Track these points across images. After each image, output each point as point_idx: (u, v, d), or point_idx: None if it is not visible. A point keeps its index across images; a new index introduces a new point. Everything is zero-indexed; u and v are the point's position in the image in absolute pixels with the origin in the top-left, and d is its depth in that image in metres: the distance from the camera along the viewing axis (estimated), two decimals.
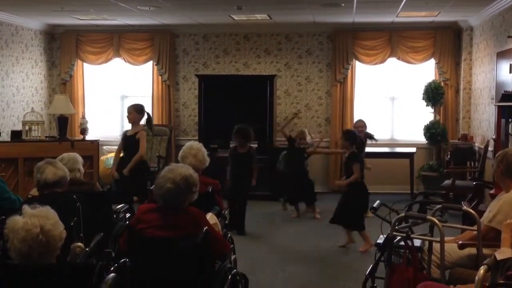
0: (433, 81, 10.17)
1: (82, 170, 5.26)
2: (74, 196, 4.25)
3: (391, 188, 10.00)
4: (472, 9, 8.81)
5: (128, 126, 10.97)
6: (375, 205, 4.68)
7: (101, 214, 4.64)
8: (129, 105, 7.52)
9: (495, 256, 3.04)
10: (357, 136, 7.23)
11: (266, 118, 9.94)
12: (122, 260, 3.34)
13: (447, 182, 8.72)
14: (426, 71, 10.55)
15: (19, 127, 9.35)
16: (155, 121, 10.85)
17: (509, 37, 7.57)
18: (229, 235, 4.74)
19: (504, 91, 7.18)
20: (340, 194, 7.31)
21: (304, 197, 8.57)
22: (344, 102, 10.54)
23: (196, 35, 10.93)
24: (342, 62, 10.47)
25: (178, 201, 3.65)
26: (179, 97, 11.06)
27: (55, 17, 9.93)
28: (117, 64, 11.15)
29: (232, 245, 4.60)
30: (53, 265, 2.81)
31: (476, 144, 9.51)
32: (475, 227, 4.04)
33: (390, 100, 10.78)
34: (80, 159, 5.23)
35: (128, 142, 7.19)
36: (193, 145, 5.13)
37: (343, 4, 8.30)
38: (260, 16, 9.58)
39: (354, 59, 10.51)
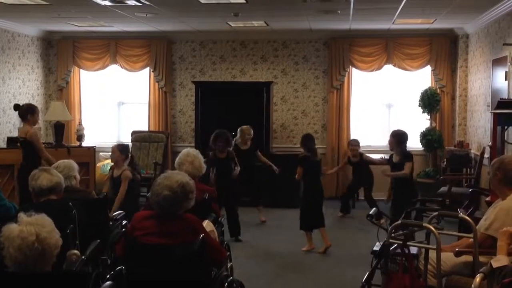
0: (429, 88, 10.19)
1: (78, 177, 5.24)
2: (70, 203, 4.24)
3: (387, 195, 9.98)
4: (467, 17, 8.84)
5: (123, 134, 11.08)
6: (371, 212, 4.68)
7: (97, 221, 4.63)
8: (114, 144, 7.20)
9: (491, 264, 3.04)
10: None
11: (262, 125, 9.94)
12: (118, 267, 3.34)
13: (443, 189, 8.73)
14: (422, 78, 10.57)
15: (15, 133, 9.33)
16: (151, 128, 10.87)
17: (504, 44, 7.60)
18: (225, 243, 4.73)
19: (500, 99, 7.20)
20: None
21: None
22: (341, 109, 10.55)
23: (193, 42, 10.94)
24: (338, 69, 10.49)
25: (175, 208, 3.64)
26: (176, 104, 11.06)
27: (52, 24, 9.93)
28: (114, 71, 11.15)
29: (229, 253, 4.60)
30: (49, 273, 2.79)
31: (472, 151, 9.52)
32: (471, 235, 4.04)
33: (387, 107, 10.80)
34: (75, 166, 5.21)
35: (115, 182, 6.91)
36: (189, 152, 5.12)
37: (339, 11, 8.32)
38: (256, 23, 9.60)
39: (350, 66, 10.54)
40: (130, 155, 6.95)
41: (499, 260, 3.12)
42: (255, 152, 8.66)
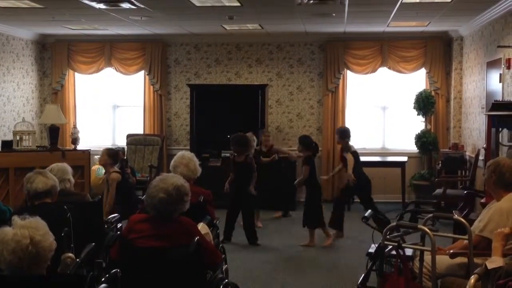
0: (424, 91, 10.21)
1: (72, 180, 5.22)
2: (65, 207, 4.23)
3: (383, 197, 10.01)
4: (462, 19, 8.87)
5: (118, 137, 11.07)
6: (366, 214, 4.68)
7: (92, 224, 4.62)
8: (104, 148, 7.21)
9: (486, 265, 3.05)
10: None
11: (258, 128, 9.95)
12: (113, 270, 3.33)
13: (438, 191, 8.75)
14: (417, 80, 10.59)
15: (10, 137, 9.29)
16: (147, 131, 10.86)
17: (498, 46, 7.62)
18: (220, 245, 4.73)
19: (494, 101, 7.22)
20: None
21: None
22: (336, 111, 10.57)
23: (187, 45, 10.94)
24: (333, 72, 10.50)
25: (170, 210, 3.64)
26: (171, 107, 11.06)
27: (46, 27, 9.92)
28: (109, 74, 11.13)
29: (224, 255, 4.60)
30: (44, 276, 2.79)
31: (467, 153, 9.55)
32: (466, 236, 4.04)
33: (382, 109, 10.82)
34: (69, 169, 5.19)
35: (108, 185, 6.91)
36: (184, 155, 5.12)
37: (334, 14, 8.34)
38: (251, 26, 9.61)
39: (345, 69, 10.55)
40: (122, 159, 6.94)
41: (494, 261, 3.13)
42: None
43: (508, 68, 7.29)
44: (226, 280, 3.93)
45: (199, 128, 10.18)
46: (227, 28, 9.77)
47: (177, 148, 10.16)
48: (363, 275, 4.40)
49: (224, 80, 10.87)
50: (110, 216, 5.33)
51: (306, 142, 7.63)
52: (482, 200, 6.05)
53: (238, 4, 7.55)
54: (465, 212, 6.68)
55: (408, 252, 4.28)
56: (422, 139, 10.08)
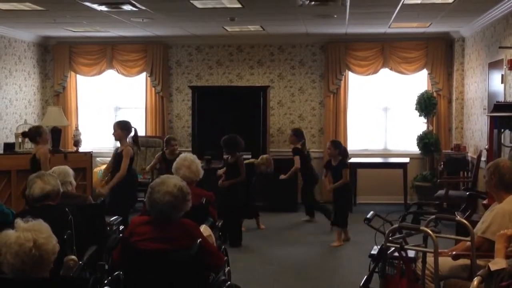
0: (426, 92, 10.20)
1: (74, 182, 5.23)
2: (67, 209, 4.23)
3: (385, 199, 10.01)
4: (463, 20, 8.87)
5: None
6: (369, 215, 4.68)
7: (94, 227, 4.62)
8: (115, 121, 7.40)
9: (489, 267, 3.05)
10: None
11: (259, 129, 9.95)
12: (116, 273, 3.33)
13: (441, 192, 8.74)
14: (419, 81, 10.59)
15: (12, 139, 9.32)
16: (148, 133, 10.87)
17: (500, 47, 7.62)
18: (223, 247, 4.73)
19: (496, 102, 7.21)
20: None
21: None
22: (338, 112, 10.56)
23: (189, 47, 10.95)
24: (335, 73, 10.50)
25: (176, 212, 3.64)
26: (173, 109, 11.06)
27: (48, 29, 9.93)
28: (110, 76, 11.14)
29: (226, 257, 4.60)
30: (47, 279, 2.79)
31: (469, 154, 9.54)
32: (469, 238, 4.04)
33: (383, 111, 10.82)
34: (71, 172, 5.20)
35: (117, 159, 7.05)
36: (187, 157, 5.12)
37: (335, 16, 8.34)
38: (253, 28, 9.62)
39: (347, 70, 10.55)
40: (133, 128, 7.10)
41: (496, 263, 3.12)
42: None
43: (510, 69, 7.28)
44: (229, 282, 3.93)
45: (200, 130, 10.18)
46: (229, 30, 9.77)
47: (179, 150, 10.15)
48: (365, 277, 4.40)
49: (225, 81, 10.87)
50: (113, 219, 5.34)
51: (298, 133, 8.73)
52: (485, 202, 6.05)
53: (240, 5, 7.55)
54: (467, 213, 6.68)
55: (411, 253, 4.28)
56: (424, 140, 10.07)
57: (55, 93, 11.11)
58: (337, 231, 7.63)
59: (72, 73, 11.11)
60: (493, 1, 7.36)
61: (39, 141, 7.10)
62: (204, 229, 4.12)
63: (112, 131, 7.14)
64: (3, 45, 9.82)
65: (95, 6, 7.55)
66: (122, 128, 6.97)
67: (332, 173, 7.76)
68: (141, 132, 10.91)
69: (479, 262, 3.90)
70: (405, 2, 7.30)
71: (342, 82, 10.56)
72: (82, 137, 9.68)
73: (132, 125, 7.25)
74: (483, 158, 8.25)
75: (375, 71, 10.48)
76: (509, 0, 7.14)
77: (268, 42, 10.72)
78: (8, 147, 8.86)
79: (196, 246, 3.49)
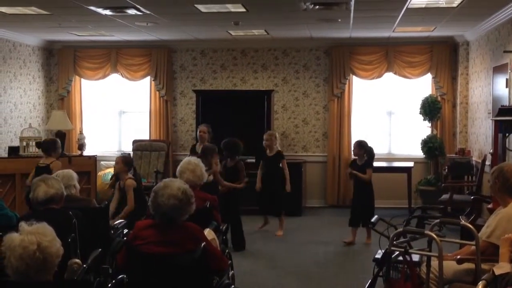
0: (430, 96, 10.19)
1: (78, 186, 5.24)
2: (70, 212, 4.23)
3: (389, 203, 9.99)
4: (468, 24, 8.86)
5: (124, 143, 11.10)
6: (373, 220, 4.68)
7: (98, 230, 4.62)
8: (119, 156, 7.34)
9: (493, 271, 3.03)
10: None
11: (263, 133, 9.93)
12: (120, 276, 3.33)
13: (445, 196, 8.71)
14: (423, 85, 10.58)
15: (16, 143, 9.34)
16: (152, 137, 10.89)
17: (505, 51, 7.61)
18: (227, 251, 4.73)
19: (501, 106, 7.21)
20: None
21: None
22: (342, 116, 10.55)
23: (193, 51, 10.96)
24: (339, 77, 10.50)
25: (180, 215, 3.63)
26: (177, 113, 11.07)
27: (52, 33, 9.96)
28: (115, 80, 11.17)
29: (230, 261, 4.59)
30: (50, 282, 2.79)
31: (474, 158, 9.52)
32: (473, 242, 4.03)
33: (388, 115, 10.81)
34: (75, 175, 5.20)
35: (122, 193, 6.89)
36: (191, 161, 5.11)
37: (339, 20, 8.34)
38: (257, 32, 9.63)
39: (351, 74, 10.55)
40: (133, 167, 7.06)
41: (501, 267, 3.11)
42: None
43: None
44: (233, 286, 3.93)
45: None
46: (233, 34, 9.79)
47: (183, 154, 10.14)
48: (369, 281, 4.38)
49: (229, 85, 10.88)
50: (117, 222, 5.34)
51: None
52: (489, 206, 6.02)
53: (244, 10, 7.56)
54: (472, 217, 6.65)
55: (415, 258, 4.27)
56: (428, 145, 10.05)
57: (59, 97, 11.14)
58: (354, 230, 7.70)
59: (77, 77, 11.14)
60: (497, 5, 7.36)
61: (52, 154, 7.31)
62: (208, 232, 4.12)
63: (115, 163, 7.06)
64: (8, 49, 9.86)
65: (99, 10, 7.58)
66: (125, 164, 6.88)
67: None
68: (145, 136, 10.95)
69: (484, 266, 3.89)
70: (409, 6, 7.30)
71: (346, 86, 10.55)
72: (86, 141, 9.69)
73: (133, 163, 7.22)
74: (487, 162, 8.24)
75: (379, 75, 10.48)
76: None
77: (272, 46, 10.72)
78: (13, 150, 8.88)
79: (200, 250, 3.49)
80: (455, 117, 10.38)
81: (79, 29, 9.43)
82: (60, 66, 11.11)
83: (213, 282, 3.71)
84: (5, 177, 8.23)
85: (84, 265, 3.56)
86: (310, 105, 10.79)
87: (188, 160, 5.12)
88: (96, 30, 9.49)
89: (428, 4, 7.28)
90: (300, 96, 10.80)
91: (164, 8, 7.64)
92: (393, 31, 9.42)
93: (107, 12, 7.71)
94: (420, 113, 10.18)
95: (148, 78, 10.98)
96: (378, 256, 4.41)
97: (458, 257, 4.10)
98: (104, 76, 11.05)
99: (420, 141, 10.19)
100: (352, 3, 7.11)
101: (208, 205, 4.86)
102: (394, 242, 4.05)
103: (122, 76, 11.01)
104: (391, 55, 10.37)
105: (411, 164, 10.04)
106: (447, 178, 9.39)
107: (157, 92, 10.93)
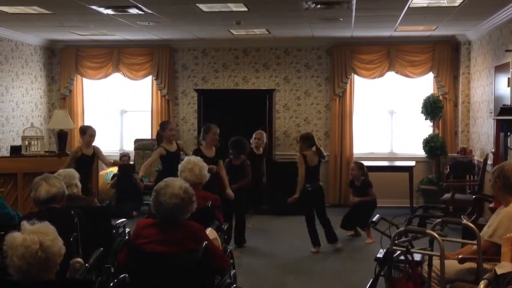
0: (432, 95, 10.19)
1: (79, 185, 5.24)
2: (72, 212, 4.23)
3: (391, 202, 9.98)
4: (469, 23, 8.85)
5: (126, 142, 11.10)
6: (374, 219, 4.68)
7: (100, 229, 4.62)
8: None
9: (495, 271, 3.03)
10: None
11: (265, 132, 9.93)
12: (122, 275, 3.33)
13: (447, 195, 8.71)
14: (425, 84, 10.58)
15: (18, 142, 9.35)
16: (154, 136, 10.86)
17: (507, 51, 7.61)
18: (228, 250, 4.73)
19: (503, 105, 7.20)
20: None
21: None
22: (343, 116, 10.55)
23: (195, 50, 10.97)
24: (340, 76, 10.50)
25: (182, 214, 3.64)
26: (178, 112, 11.08)
27: (54, 33, 9.97)
28: (117, 79, 11.18)
29: (232, 260, 4.59)
30: (53, 281, 2.79)
31: (475, 158, 9.51)
32: (475, 241, 4.03)
33: (389, 114, 10.80)
34: (76, 174, 5.21)
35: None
36: (190, 160, 5.10)
37: (341, 19, 8.34)
38: (258, 31, 9.63)
39: (352, 73, 10.55)
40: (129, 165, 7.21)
41: (503, 267, 3.11)
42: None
43: None
44: (234, 285, 3.93)
45: None
46: (234, 33, 9.79)
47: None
48: (371, 280, 4.39)
49: (231, 85, 10.88)
50: (118, 221, 5.34)
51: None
52: (491, 205, 6.03)
53: (245, 9, 7.56)
54: (473, 217, 6.64)
55: (417, 257, 4.27)
56: (430, 144, 10.05)
57: (61, 96, 11.15)
58: (368, 230, 7.81)
59: (79, 76, 11.16)
60: (499, 5, 7.35)
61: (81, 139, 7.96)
62: (210, 232, 4.12)
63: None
64: (10, 48, 9.86)
65: (101, 9, 7.58)
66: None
67: (354, 192, 8.16)
68: (147, 135, 10.95)
69: (486, 265, 3.89)
70: (411, 6, 7.30)
71: (348, 85, 10.55)
72: None
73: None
74: (489, 162, 8.23)
75: (381, 75, 10.48)
76: None
77: (274, 46, 10.73)
78: (15, 150, 8.89)
79: (202, 249, 3.49)
80: (456, 116, 10.38)
81: (81, 29, 9.43)
82: (62, 66, 11.12)
83: (215, 281, 3.71)
84: (7, 176, 8.23)
85: (86, 264, 3.57)
86: (312, 104, 10.79)
87: (188, 159, 5.11)
88: (98, 30, 9.50)
89: (429, 4, 7.27)
90: (302, 95, 10.80)
91: (166, 8, 7.64)
92: (394, 30, 9.41)
93: (109, 11, 7.71)
94: (422, 112, 10.18)
95: (150, 78, 10.99)
96: (380, 255, 4.41)
97: (460, 256, 4.10)
98: (106, 76, 11.06)
99: (422, 140, 10.18)
100: (354, 2, 7.11)
101: (209, 205, 4.85)
102: (396, 242, 4.05)
103: (124, 76, 11.02)
104: (393, 54, 10.37)
105: (412, 163, 10.04)
106: (448, 177, 9.39)
107: (159, 92, 10.94)
